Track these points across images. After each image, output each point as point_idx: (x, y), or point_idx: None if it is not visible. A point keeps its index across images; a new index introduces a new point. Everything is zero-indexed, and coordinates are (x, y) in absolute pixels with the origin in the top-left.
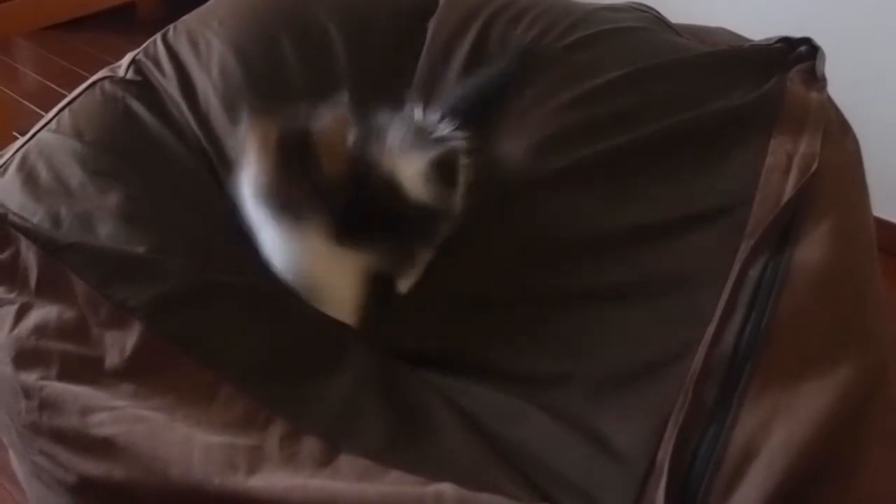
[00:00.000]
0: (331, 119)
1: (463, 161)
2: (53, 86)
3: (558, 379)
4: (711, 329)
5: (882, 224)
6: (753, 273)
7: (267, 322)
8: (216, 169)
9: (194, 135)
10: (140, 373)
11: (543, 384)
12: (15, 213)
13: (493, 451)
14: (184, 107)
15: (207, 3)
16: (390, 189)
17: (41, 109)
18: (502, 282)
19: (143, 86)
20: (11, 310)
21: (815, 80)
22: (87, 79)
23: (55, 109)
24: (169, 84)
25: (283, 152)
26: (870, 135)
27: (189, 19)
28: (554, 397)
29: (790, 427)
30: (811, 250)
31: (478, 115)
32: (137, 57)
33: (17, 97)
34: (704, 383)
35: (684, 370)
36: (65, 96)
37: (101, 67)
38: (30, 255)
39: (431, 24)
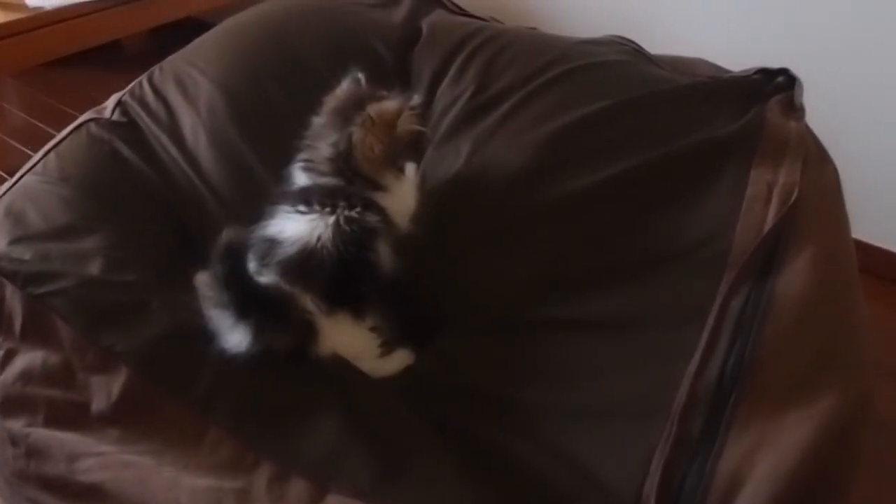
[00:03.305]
0: (394, 101)
1: None
2: (40, 124)
3: (546, 410)
4: (695, 361)
5: (862, 245)
6: (736, 304)
7: (253, 364)
8: (207, 205)
9: (184, 174)
10: (127, 417)
11: (531, 415)
12: (0, 258)
13: (482, 485)
14: (171, 146)
15: (192, 43)
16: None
17: (28, 148)
18: (490, 312)
19: (129, 127)
20: None
21: (794, 109)
22: (73, 116)
23: (41, 152)
24: (156, 125)
25: (338, 107)
26: (848, 158)
27: (175, 59)
28: (541, 429)
29: (775, 456)
30: (793, 279)
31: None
32: (123, 98)
33: (2, 136)
34: (690, 415)
35: (670, 402)
36: (51, 134)
37: (88, 104)
38: (14, 301)
39: (415, 60)
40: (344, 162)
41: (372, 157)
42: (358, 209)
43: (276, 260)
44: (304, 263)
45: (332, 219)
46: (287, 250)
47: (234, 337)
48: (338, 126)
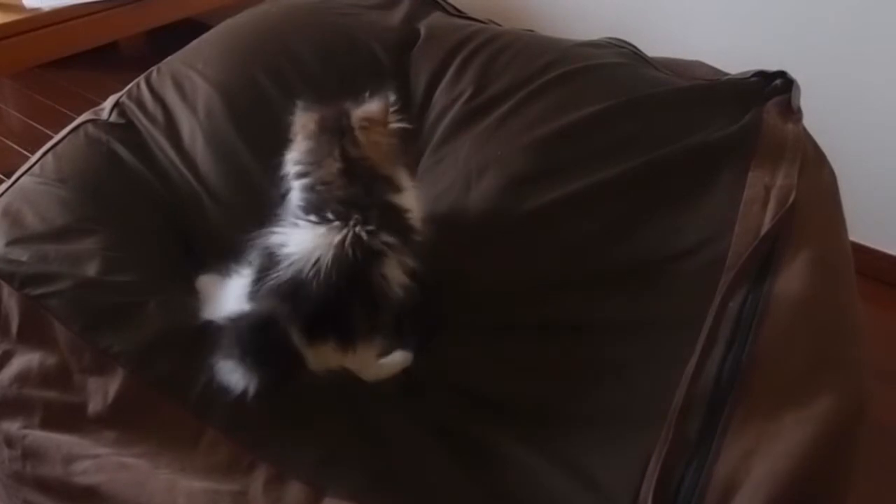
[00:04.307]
0: (373, 102)
1: None
2: (37, 125)
3: (544, 413)
4: (693, 363)
5: (859, 248)
6: (734, 306)
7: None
8: (204, 206)
9: (181, 175)
10: (123, 419)
11: (529, 418)
12: None
13: (479, 488)
14: (169, 148)
15: (190, 45)
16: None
17: (25, 149)
18: (489, 314)
19: (126, 128)
20: None
21: (791, 112)
22: (71, 118)
23: (39, 153)
24: (153, 126)
25: (322, 126)
26: (845, 161)
27: (172, 61)
28: (539, 432)
29: (772, 458)
30: (791, 281)
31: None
32: (121, 99)
33: (0, 137)
34: (687, 417)
35: (667, 404)
36: (49, 136)
37: (85, 106)
38: (12, 302)
39: (412, 62)
40: (359, 167)
41: (382, 153)
42: (371, 227)
43: (270, 284)
44: (294, 292)
45: (339, 237)
46: (282, 274)
47: (234, 378)
48: (334, 142)
